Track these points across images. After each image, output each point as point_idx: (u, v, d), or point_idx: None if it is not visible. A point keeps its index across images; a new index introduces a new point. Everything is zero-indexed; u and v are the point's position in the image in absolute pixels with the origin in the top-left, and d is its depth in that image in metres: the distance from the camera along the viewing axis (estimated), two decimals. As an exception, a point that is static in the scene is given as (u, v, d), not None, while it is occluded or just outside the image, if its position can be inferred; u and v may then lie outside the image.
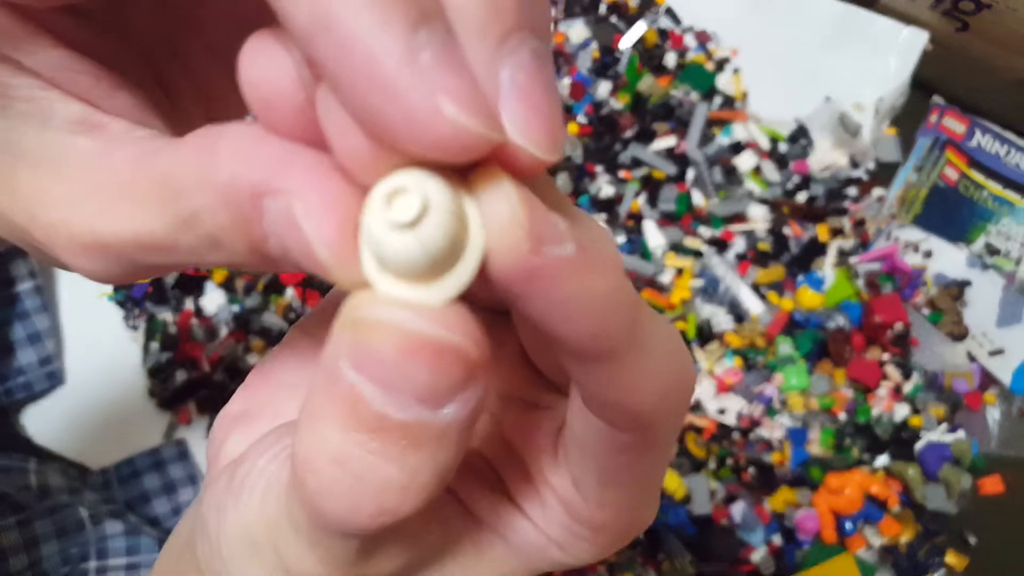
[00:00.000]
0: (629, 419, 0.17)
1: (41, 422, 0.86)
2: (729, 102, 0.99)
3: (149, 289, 0.87)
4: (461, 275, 0.13)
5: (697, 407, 0.83)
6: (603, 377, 0.16)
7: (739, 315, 0.86)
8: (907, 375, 0.84)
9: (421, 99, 0.12)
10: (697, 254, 0.87)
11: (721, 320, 0.85)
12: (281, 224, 0.14)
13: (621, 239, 0.84)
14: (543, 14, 0.15)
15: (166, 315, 0.87)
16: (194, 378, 0.84)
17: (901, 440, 0.84)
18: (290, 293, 0.82)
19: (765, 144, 0.97)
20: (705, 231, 0.88)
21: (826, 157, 0.98)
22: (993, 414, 0.90)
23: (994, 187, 0.98)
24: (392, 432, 0.14)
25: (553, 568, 0.21)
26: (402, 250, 0.12)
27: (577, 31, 0.97)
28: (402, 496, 0.15)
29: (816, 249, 0.90)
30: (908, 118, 1.03)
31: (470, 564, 0.20)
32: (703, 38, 1.02)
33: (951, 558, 0.84)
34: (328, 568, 0.17)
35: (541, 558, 0.21)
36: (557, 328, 0.14)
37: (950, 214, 0.96)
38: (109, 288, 0.90)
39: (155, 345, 0.86)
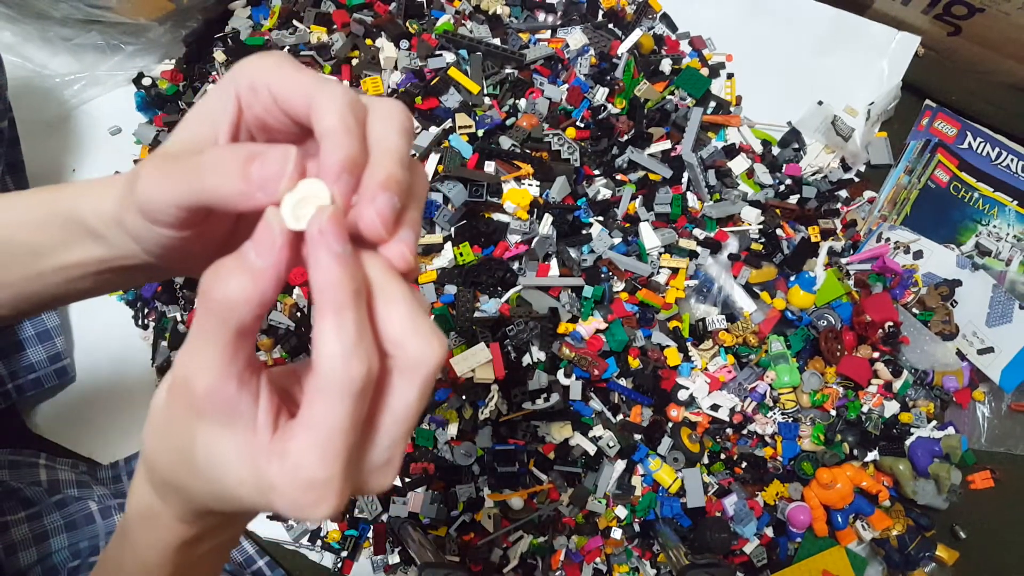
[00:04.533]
0: None
1: (52, 418, 0.89)
2: (723, 107, 1.01)
3: (159, 288, 0.89)
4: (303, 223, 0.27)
5: (691, 403, 0.85)
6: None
7: (732, 314, 0.88)
8: (897, 373, 0.86)
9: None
10: (692, 255, 0.89)
11: (714, 319, 0.87)
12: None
13: (618, 240, 0.86)
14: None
15: (175, 314, 0.89)
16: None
17: (891, 436, 0.86)
18: (297, 292, 0.85)
19: (758, 147, 0.99)
20: (699, 232, 0.90)
21: (818, 160, 1.00)
22: (983, 411, 0.92)
23: (985, 189, 0.99)
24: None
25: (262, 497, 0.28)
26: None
27: (575, 38, 0.99)
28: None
29: (808, 250, 0.91)
30: (899, 121, 1.05)
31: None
32: (698, 44, 1.04)
33: (941, 552, 0.86)
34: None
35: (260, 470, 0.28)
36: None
37: (940, 215, 0.97)
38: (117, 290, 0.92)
39: (164, 343, 0.89)
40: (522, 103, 0.91)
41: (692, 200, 0.91)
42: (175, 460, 0.31)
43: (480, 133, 0.88)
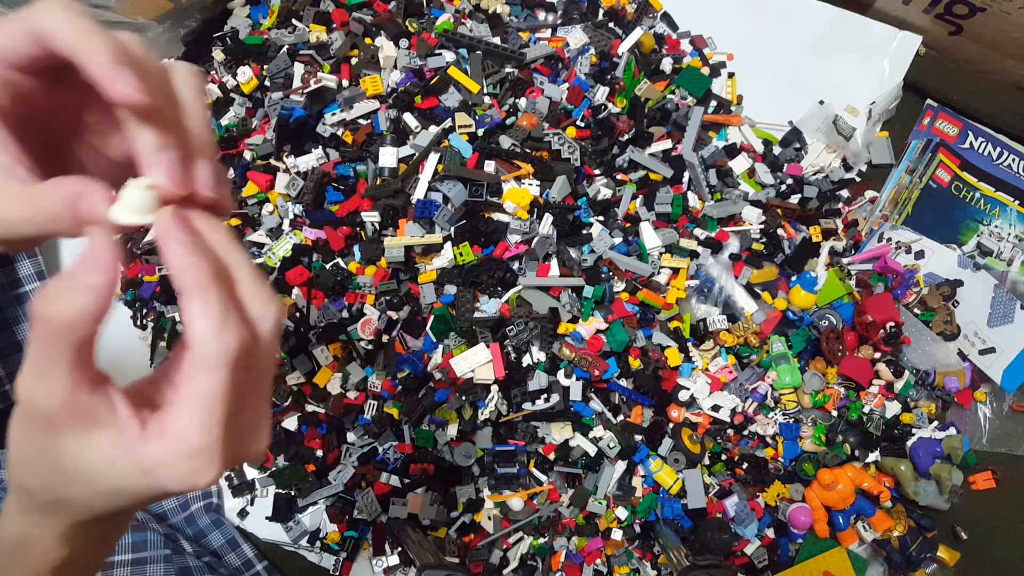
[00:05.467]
0: None
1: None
2: (724, 106, 1.01)
3: (157, 288, 0.89)
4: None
5: (692, 404, 0.84)
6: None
7: (733, 314, 0.88)
8: (899, 373, 0.85)
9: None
10: (692, 255, 0.88)
11: (715, 319, 0.87)
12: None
13: (618, 240, 0.86)
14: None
15: (174, 314, 0.89)
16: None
17: (893, 437, 0.85)
18: (296, 293, 0.84)
19: (759, 147, 0.99)
20: (700, 232, 0.89)
21: (819, 159, 1.00)
22: (984, 411, 0.91)
23: (986, 189, 0.99)
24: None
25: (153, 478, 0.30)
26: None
27: (575, 37, 0.98)
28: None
29: (809, 250, 0.91)
30: (901, 121, 1.05)
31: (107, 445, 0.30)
32: (699, 43, 1.04)
33: (943, 553, 0.85)
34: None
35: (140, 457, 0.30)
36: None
37: (942, 215, 0.97)
38: (118, 288, 0.92)
39: (163, 344, 0.88)
40: (522, 102, 0.91)
41: (693, 200, 0.90)
42: (51, 479, 0.31)
43: (480, 132, 0.87)
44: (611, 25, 1.02)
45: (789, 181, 0.96)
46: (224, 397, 0.29)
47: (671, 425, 0.84)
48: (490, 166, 0.85)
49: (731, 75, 1.03)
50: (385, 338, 0.83)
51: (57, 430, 0.30)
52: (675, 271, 0.87)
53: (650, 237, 0.87)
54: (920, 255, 0.92)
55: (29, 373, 0.30)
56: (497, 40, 0.94)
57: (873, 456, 0.85)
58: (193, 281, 0.30)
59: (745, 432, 0.85)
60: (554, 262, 0.83)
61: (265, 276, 0.33)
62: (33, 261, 0.87)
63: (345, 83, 0.91)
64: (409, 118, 0.88)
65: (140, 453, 0.29)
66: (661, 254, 0.87)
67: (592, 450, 0.80)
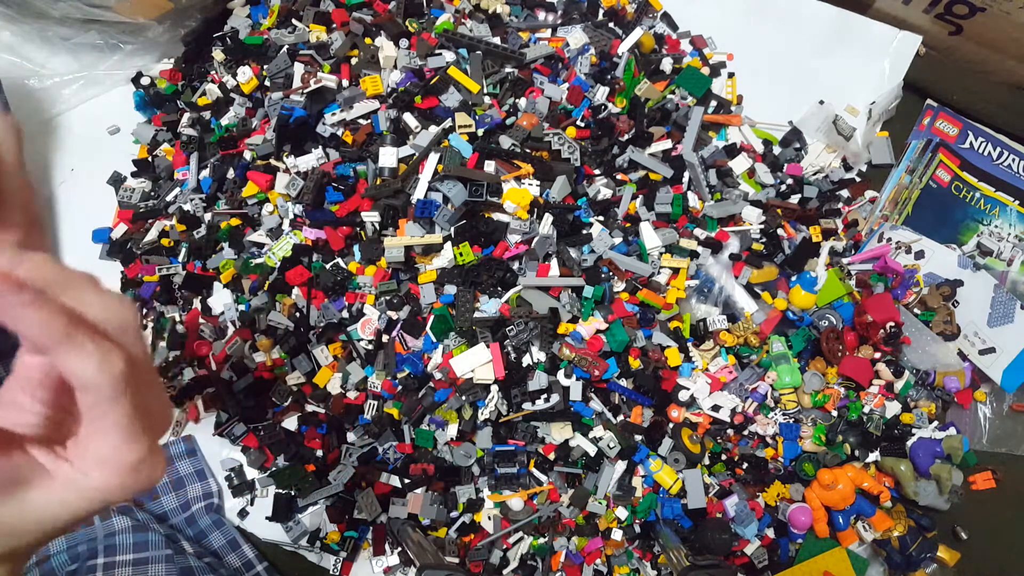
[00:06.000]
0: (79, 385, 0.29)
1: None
2: (724, 106, 1.01)
3: (157, 288, 0.89)
4: None
5: (692, 404, 0.84)
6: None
7: (733, 314, 0.88)
8: (899, 373, 0.85)
9: None
10: (692, 255, 0.88)
11: (715, 319, 0.87)
12: None
13: (618, 240, 0.86)
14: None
15: (174, 314, 0.89)
16: (201, 376, 0.86)
17: (893, 437, 0.85)
18: (296, 293, 0.84)
19: (759, 147, 0.99)
20: (700, 232, 0.89)
21: (819, 159, 1.00)
22: (984, 411, 0.91)
23: (986, 189, 0.99)
24: None
25: (89, 497, 0.32)
26: None
27: (575, 37, 0.98)
28: None
29: (809, 250, 0.91)
30: (901, 121, 1.05)
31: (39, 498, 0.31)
32: (699, 43, 1.04)
33: (943, 553, 0.85)
34: None
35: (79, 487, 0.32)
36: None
37: (942, 215, 0.97)
38: (117, 287, 0.92)
39: (163, 344, 0.88)
40: (522, 102, 0.91)
41: (693, 200, 0.90)
42: None
43: (480, 132, 0.87)
44: (611, 25, 1.02)
45: (789, 181, 0.96)
46: (133, 410, 0.31)
47: (671, 425, 0.84)
48: (490, 166, 0.85)
49: (731, 75, 1.03)
50: (385, 338, 0.83)
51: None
52: (675, 271, 0.87)
53: (650, 237, 0.86)
54: (920, 255, 0.92)
55: None
56: (497, 40, 0.94)
57: (873, 456, 0.85)
58: (52, 334, 0.29)
59: (745, 432, 0.85)
60: (554, 262, 0.83)
61: (87, 276, 0.32)
62: None
63: (345, 83, 0.91)
64: (409, 118, 0.88)
65: (85, 486, 0.32)
66: (661, 254, 0.87)
67: (592, 450, 0.80)
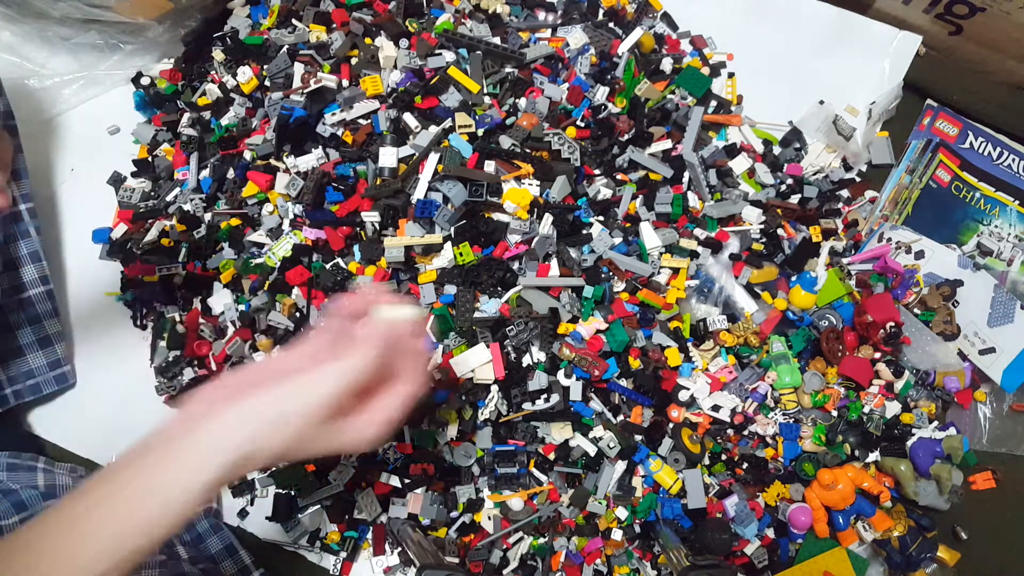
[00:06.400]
0: None
1: (50, 418, 0.88)
2: (724, 106, 1.01)
3: (157, 288, 0.89)
4: None
5: (692, 404, 0.84)
6: None
7: (733, 314, 0.88)
8: (899, 373, 0.85)
9: None
10: (692, 255, 0.88)
11: (715, 319, 0.87)
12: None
13: (618, 240, 0.86)
14: None
15: (174, 314, 0.89)
16: (201, 376, 0.86)
17: (892, 437, 0.85)
18: (296, 293, 0.84)
19: (759, 147, 0.99)
20: (700, 232, 0.89)
21: (819, 159, 1.00)
22: (984, 411, 0.91)
23: (986, 189, 0.99)
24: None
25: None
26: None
27: (575, 37, 0.98)
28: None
29: (809, 250, 0.91)
30: (901, 121, 1.05)
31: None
32: (699, 43, 1.04)
33: (943, 553, 0.85)
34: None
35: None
36: None
37: (942, 215, 0.97)
38: (117, 287, 0.92)
39: (163, 343, 0.88)
40: (522, 102, 0.91)
41: (693, 200, 0.90)
42: (300, 445, 0.47)
43: (480, 132, 0.87)
44: (611, 25, 1.02)
45: (789, 181, 0.96)
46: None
47: (671, 425, 0.84)
48: (490, 166, 0.85)
49: (731, 75, 1.03)
50: (385, 338, 0.83)
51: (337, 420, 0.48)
52: (675, 271, 0.87)
53: (650, 237, 0.86)
54: (920, 255, 0.92)
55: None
56: (497, 40, 0.94)
57: (873, 456, 0.85)
58: (410, 373, 0.53)
59: (745, 432, 0.85)
60: (554, 262, 0.83)
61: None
62: (38, 266, 0.87)
63: (345, 83, 0.91)
64: (409, 118, 0.88)
65: (372, 426, 0.50)
66: (661, 254, 0.87)
67: (592, 450, 0.80)
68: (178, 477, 0.44)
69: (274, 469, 0.84)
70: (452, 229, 0.83)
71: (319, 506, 0.83)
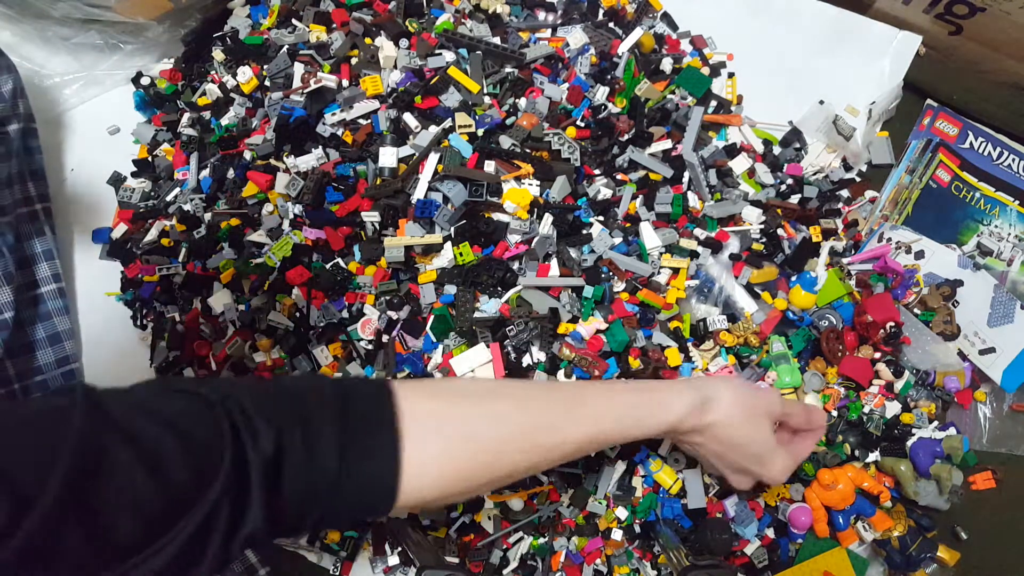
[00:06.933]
0: None
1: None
2: (724, 106, 1.00)
3: (157, 288, 0.89)
4: None
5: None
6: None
7: (733, 314, 0.88)
8: (899, 373, 0.85)
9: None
10: (692, 255, 0.88)
11: (715, 319, 0.87)
12: None
13: (618, 240, 0.86)
14: None
15: (174, 314, 0.89)
16: (201, 376, 0.86)
17: (893, 437, 0.85)
18: (296, 293, 0.84)
19: (759, 147, 0.99)
20: (700, 232, 0.89)
21: (819, 159, 1.00)
22: (984, 411, 0.91)
23: (986, 189, 0.99)
24: None
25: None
26: None
27: (575, 36, 0.98)
28: None
29: (809, 250, 0.91)
30: (901, 121, 1.05)
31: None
32: (699, 43, 1.04)
33: (943, 553, 0.85)
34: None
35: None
36: None
37: (942, 215, 0.97)
38: (117, 287, 0.92)
39: (163, 343, 0.88)
40: (522, 102, 0.91)
41: (693, 200, 0.90)
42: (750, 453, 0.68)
43: (480, 132, 0.87)
44: (611, 25, 1.02)
45: (789, 181, 0.96)
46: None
47: (671, 425, 0.83)
48: (490, 166, 0.85)
49: (731, 75, 1.03)
50: (385, 338, 0.83)
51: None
52: (675, 271, 0.87)
53: (650, 237, 0.87)
54: (920, 255, 0.92)
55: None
56: (497, 40, 0.94)
57: (873, 456, 0.85)
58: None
59: (745, 432, 0.84)
60: (554, 262, 0.83)
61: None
62: (51, 264, 0.87)
63: (345, 83, 0.91)
64: (409, 118, 0.88)
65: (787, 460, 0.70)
66: (661, 254, 0.87)
67: (592, 450, 0.80)
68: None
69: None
70: (452, 229, 0.83)
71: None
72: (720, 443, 0.66)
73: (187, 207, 0.91)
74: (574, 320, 0.82)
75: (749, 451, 0.67)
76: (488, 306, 0.81)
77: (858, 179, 1.01)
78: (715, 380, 0.67)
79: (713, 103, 1.00)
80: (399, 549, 0.82)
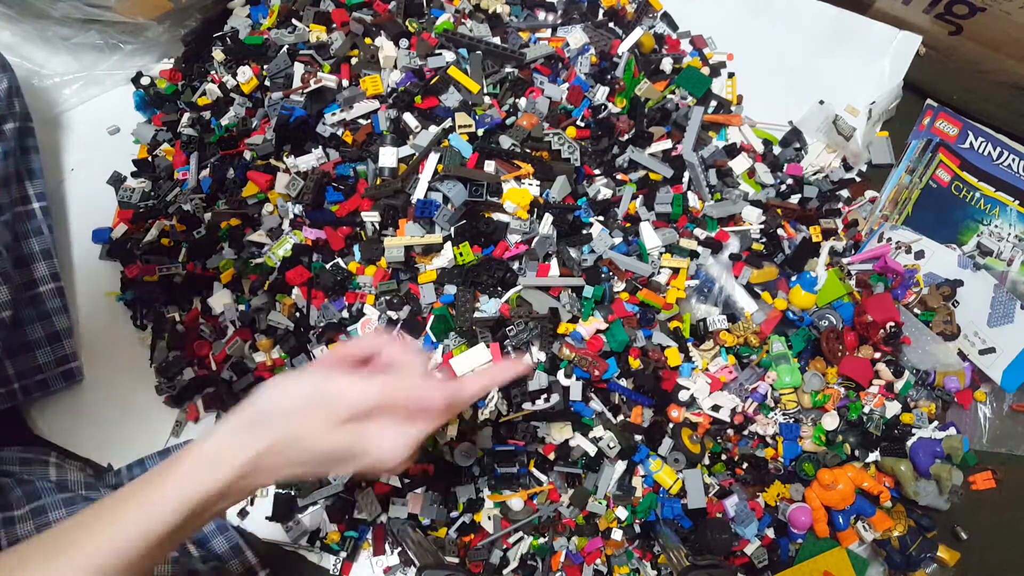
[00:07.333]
0: None
1: (51, 418, 0.88)
2: (724, 106, 1.00)
3: (157, 288, 0.89)
4: None
5: (692, 404, 0.84)
6: None
7: (733, 314, 0.88)
8: (899, 373, 0.85)
9: None
10: (692, 254, 0.88)
11: (715, 319, 0.87)
12: None
13: (618, 240, 0.86)
14: None
15: (174, 314, 0.89)
16: (201, 376, 0.86)
17: (893, 437, 0.85)
18: (296, 293, 0.84)
19: (759, 147, 0.99)
20: (700, 232, 0.89)
21: (819, 159, 1.00)
22: (984, 411, 0.91)
23: (986, 188, 0.99)
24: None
25: None
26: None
27: (576, 37, 0.98)
28: None
29: (809, 250, 0.91)
30: (901, 121, 1.05)
31: None
32: (699, 43, 1.04)
33: (943, 553, 0.85)
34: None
35: None
36: None
37: (942, 215, 0.97)
38: (117, 287, 0.92)
39: (163, 343, 0.88)
40: (522, 102, 0.91)
41: (693, 200, 0.90)
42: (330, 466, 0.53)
43: (480, 132, 0.87)
44: (611, 25, 1.02)
45: (789, 181, 0.96)
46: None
47: (671, 425, 0.84)
48: (490, 166, 0.85)
49: (731, 75, 1.03)
50: (385, 338, 0.83)
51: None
52: (675, 271, 0.87)
53: (650, 237, 0.86)
54: (920, 255, 0.92)
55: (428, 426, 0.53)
56: (497, 40, 0.94)
57: (873, 456, 0.85)
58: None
59: (745, 432, 0.85)
60: (554, 262, 0.83)
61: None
62: (49, 263, 0.87)
63: (345, 83, 0.91)
64: (409, 118, 0.88)
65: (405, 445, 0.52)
66: (661, 254, 0.87)
67: (592, 450, 0.80)
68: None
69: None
70: (452, 229, 0.83)
71: (319, 506, 0.83)
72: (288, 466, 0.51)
73: (187, 207, 0.91)
74: (574, 320, 0.82)
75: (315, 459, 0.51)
76: (488, 306, 0.81)
77: (858, 179, 1.01)
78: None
79: (713, 103, 1.00)
80: (399, 549, 0.82)
